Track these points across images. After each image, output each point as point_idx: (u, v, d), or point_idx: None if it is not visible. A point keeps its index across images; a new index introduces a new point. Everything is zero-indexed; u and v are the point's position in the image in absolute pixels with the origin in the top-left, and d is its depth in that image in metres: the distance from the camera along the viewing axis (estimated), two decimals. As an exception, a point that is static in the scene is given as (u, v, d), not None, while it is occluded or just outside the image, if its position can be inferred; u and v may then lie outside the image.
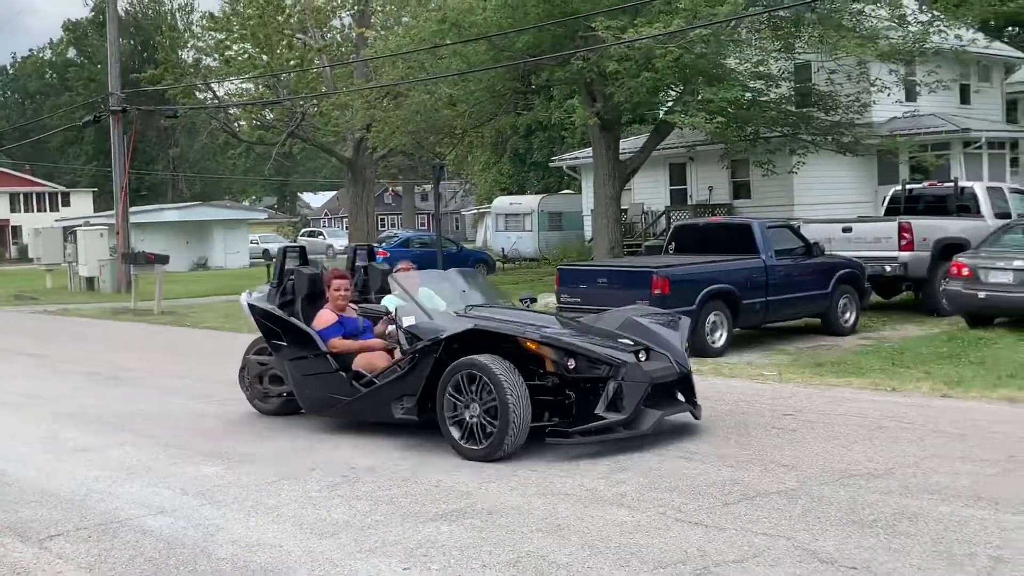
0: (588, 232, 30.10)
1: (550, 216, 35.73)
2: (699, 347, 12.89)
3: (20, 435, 9.07)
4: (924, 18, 22.52)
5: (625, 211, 31.75)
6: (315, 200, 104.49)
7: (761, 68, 22.75)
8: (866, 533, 5.26)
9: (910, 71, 26.08)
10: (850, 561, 4.83)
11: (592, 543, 5.28)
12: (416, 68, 24.65)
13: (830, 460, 6.93)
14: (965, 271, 14.28)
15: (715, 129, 22.29)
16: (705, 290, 13.10)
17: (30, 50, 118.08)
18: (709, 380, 10.76)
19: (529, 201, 36.81)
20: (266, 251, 55.86)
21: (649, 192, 31.59)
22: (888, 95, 24.50)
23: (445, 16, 22.06)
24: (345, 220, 61.16)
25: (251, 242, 53.65)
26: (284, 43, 34.08)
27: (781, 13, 22.05)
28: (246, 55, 34.28)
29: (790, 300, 14.26)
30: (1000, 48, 32.88)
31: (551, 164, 36.19)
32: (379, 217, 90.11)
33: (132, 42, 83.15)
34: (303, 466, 7.37)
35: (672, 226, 17.79)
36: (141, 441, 8.56)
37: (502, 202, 38.24)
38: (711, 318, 13.24)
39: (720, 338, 13.32)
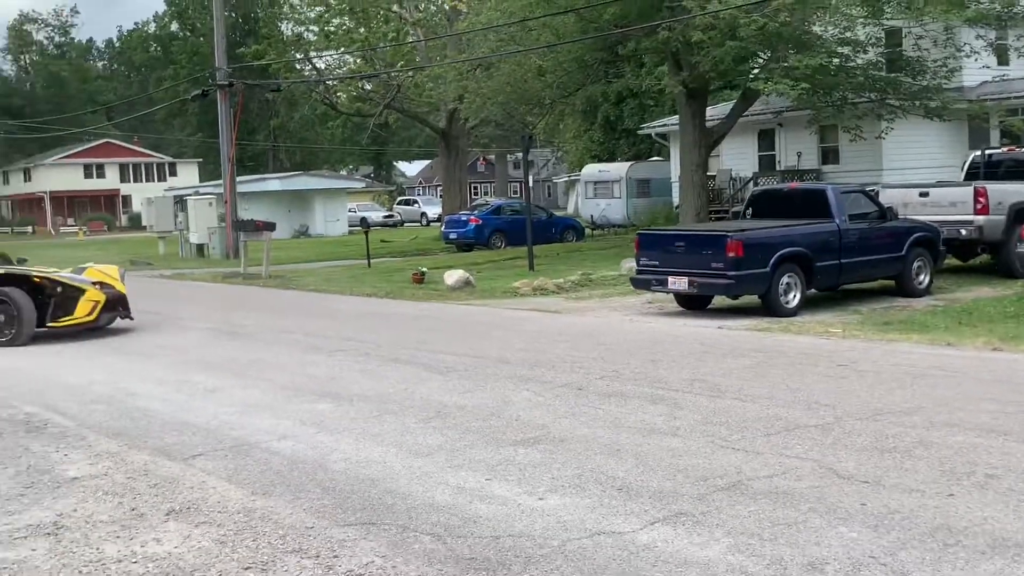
0: (676, 199, 30.68)
1: (638, 183, 36.31)
2: (772, 307, 13.62)
3: (157, 379, 10.33)
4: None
5: (713, 177, 32.20)
6: (410, 169, 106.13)
7: (848, 34, 23.04)
8: (884, 457, 6.07)
9: (1001, 35, 25.98)
10: (864, 477, 5.67)
11: (645, 462, 6.21)
12: (506, 40, 25.50)
13: (869, 401, 7.71)
14: (1038, 234, 14.66)
15: (800, 95, 22.73)
16: (778, 253, 13.74)
17: (135, 23, 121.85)
18: (776, 336, 11.52)
19: (618, 168, 37.44)
20: (363, 219, 57.56)
21: (737, 158, 31.98)
22: (976, 60, 24.53)
23: (534, -10, 22.86)
24: (439, 188, 62.43)
25: (349, 210, 55.24)
26: (380, 16, 35.17)
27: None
28: (344, 29, 35.49)
29: (863, 263, 14.81)
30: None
31: (640, 131, 36.71)
32: (472, 185, 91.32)
33: (232, 14, 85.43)
34: (402, 404, 8.41)
35: (750, 193, 18.39)
36: (261, 384, 9.73)
37: (591, 170, 38.95)
38: (784, 280, 13.87)
39: (793, 299, 13.94)
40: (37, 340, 13.78)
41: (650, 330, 12.74)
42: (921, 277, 15.47)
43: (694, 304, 14.75)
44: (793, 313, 13.75)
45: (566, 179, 67.62)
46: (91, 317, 13.70)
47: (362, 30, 35.20)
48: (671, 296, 14.92)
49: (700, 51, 22.22)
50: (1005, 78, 26.98)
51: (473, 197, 79.64)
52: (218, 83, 32.09)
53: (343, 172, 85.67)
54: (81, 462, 6.98)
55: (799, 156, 30.07)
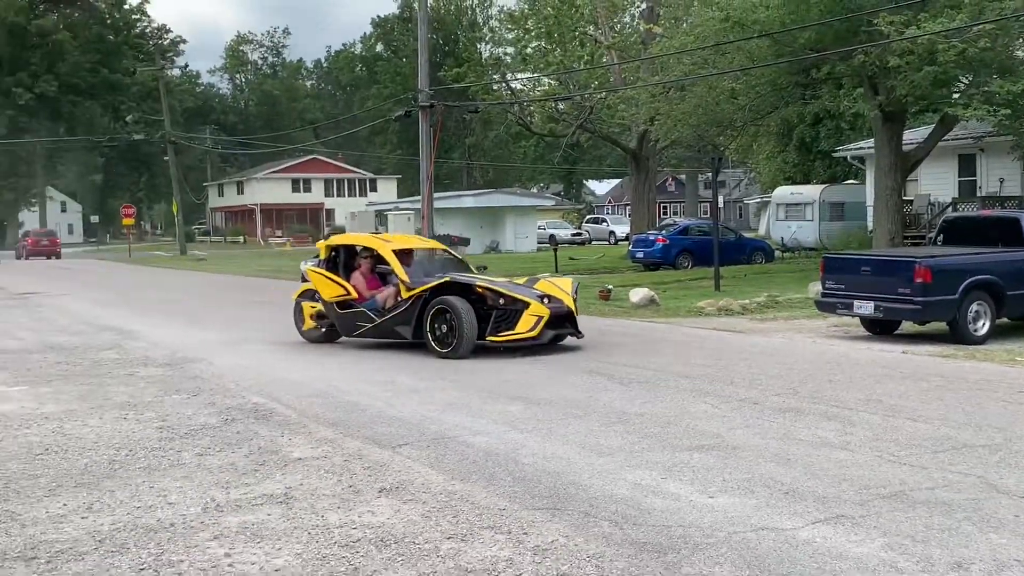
0: (871, 223, 30.19)
1: (832, 206, 35.86)
2: (960, 334, 13.56)
3: (366, 379, 11.34)
4: None
5: (910, 202, 31.53)
6: (600, 187, 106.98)
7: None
8: (1049, 478, 6.29)
9: None
10: (1023, 493, 5.93)
11: (813, 471, 6.63)
12: (699, 64, 25.87)
13: (1045, 428, 7.85)
14: None
15: (1000, 121, 22.20)
16: (968, 280, 13.66)
17: (343, 44, 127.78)
18: (959, 362, 11.56)
19: (810, 191, 37.07)
20: (552, 236, 58.68)
21: (936, 183, 31.21)
22: None
23: (728, 15, 23.17)
24: (628, 207, 62.97)
25: (538, 227, 56.46)
26: (576, 40, 36.09)
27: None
28: (540, 51, 36.60)
29: (1058, 291, 14.51)
30: None
31: (835, 154, 36.25)
32: (661, 204, 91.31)
33: (433, 36, 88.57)
34: (586, 409, 9.05)
35: (942, 219, 18.16)
36: (458, 386, 10.58)
37: (783, 192, 38.69)
38: (973, 307, 13.77)
39: (982, 327, 13.81)
40: (249, 340, 15.16)
41: (832, 352, 12.94)
42: (1122, 309, 15.01)
43: (881, 328, 14.80)
44: (981, 341, 13.64)
45: (758, 200, 66.88)
46: (532, 332, 12.82)
47: (557, 52, 36.13)
48: (857, 320, 15.02)
49: (897, 75, 22.02)
50: None
51: (662, 217, 79.84)
52: (420, 104, 33.65)
53: (534, 190, 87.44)
54: (303, 446, 7.93)
55: (1001, 182, 29.14)
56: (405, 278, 13.62)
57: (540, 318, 12.88)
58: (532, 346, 12.94)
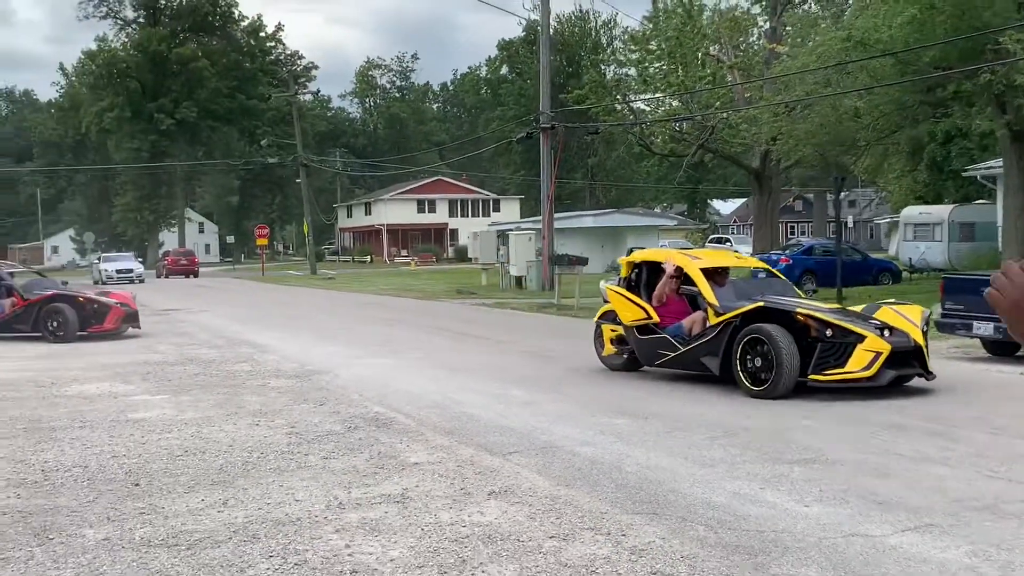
0: (1001, 243, 29.42)
1: (961, 226, 35.00)
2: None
3: (480, 391, 11.80)
4: None
5: (1043, 223, 30.58)
6: (725, 207, 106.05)
7: None
8: None
9: None
10: (1122, 511, 5.98)
11: (909, 484, 6.78)
12: (822, 84, 25.76)
13: None
14: None
15: None
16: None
17: (468, 67, 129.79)
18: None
19: (939, 211, 36.24)
20: (675, 256, 58.47)
21: (1071, 203, 30.19)
22: None
23: (851, 35, 23.07)
24: (752, 227, 62.39)
25: (660, 246, 56.45)
26: (698, 61, 36.20)
27: None
28: (662, 73, 36.83)
29: None
30: None
31: (964, 173, 35.41)
32: (788, 224, 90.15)
33: (557, 58, 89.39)
34: (691, 423, 9.31)
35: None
36: (568, 400, 10.95)
37: (911, 211, 37.92)
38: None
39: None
40: (373, 355, 15.81)
41: (948, 372, 12.83)
42: None
43: (1001, 350, 14.58)
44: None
45: (888, 220, 65.42)
46: (867, 372, 10.56)
47: (679, 73, 36.29)
48: (979, 341, 14.84)
49: (1024, 94, 21.60)
50: None
51: (789, 236, 78.79)
52: (542, 126, 34.28)
53: (657, 209, 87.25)
54: (420, 452, 8.41)
55: None
56: (714, 301, 11.81)
57: (878, 354, 10.57)
58: (868, 387, 10.72)
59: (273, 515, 6.53)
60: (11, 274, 21.10)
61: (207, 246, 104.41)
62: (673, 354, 12.10)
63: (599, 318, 13.94)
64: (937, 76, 23.30)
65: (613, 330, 13.40)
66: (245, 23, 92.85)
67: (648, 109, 41.85)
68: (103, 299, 20.01)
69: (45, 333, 18.77)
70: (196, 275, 60.95)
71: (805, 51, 26.33)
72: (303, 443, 8.84)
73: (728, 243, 67.10)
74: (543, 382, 12.48)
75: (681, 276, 12.69)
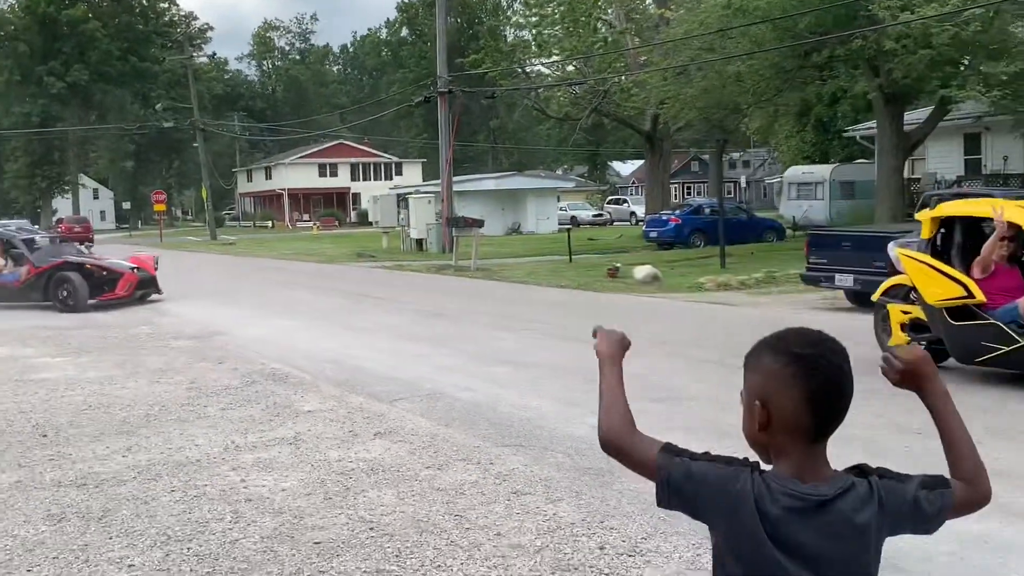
0: (878, 201, 30.97)
1: (842, 185, 36.62)
2: None
3: (375, 347, 12.46)
4: None
5: (917, 180, 32.33)
6: (624, 168, 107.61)
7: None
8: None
9: None
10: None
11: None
12: (706, 48, 26.71)
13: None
14: None
15: (997, 101, 22.94)
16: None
17: (368, 29, 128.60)
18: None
19: (821, 170, 37.84)
20: (573, 218, 59.61)
21: (943, 162, 31.95)
22: None
23: (730, 2, 24.02)
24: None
25: (559, 209, 57.40)
26: (590, 25, 36.98)
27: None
28: (556, 38, 37.56)
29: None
30: None
31: (845, 134, 37.01)
32: (685, 185, 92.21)
33: (459, 20, 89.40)
34: (567, 370, 10.12)
35: (921, 198, 19.06)
36: (456, 353, 11.68)
37: (794, 171, 39.49)
38: (948, 279, 14.71)
39: (956, 298, 14.73)
40: (274, 315, 16.31)
41: (810, 320, 13.89)
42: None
43: (862, 301, 15.73)
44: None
45: (779, 180, 67.48)
46: None
47: (573, 38, 37.03)
48: (843, 293, 15.97)
49: (893, 59, 22.80)
50: None
51: (686, 196, 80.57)
52: (439, 91, 34.73)
53: (559, 172, 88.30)
54: (313, 401, 9.05)
55: (1005, 160, 29.83)
56: None
57: None
58: None
59: (174, 458, 7.13)
60: (29, 240, 20.11)
61: (102, 212, 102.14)
62: (1007, 348, 8.66)
63: (882, 294, 10.58)
64: (813, 41, 24.41)
65: (906, 312, 9.91)
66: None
67: (548, 73, 42.60)
68: (113, 265, 19.33)
69: (55, 302, 18.18)
70: (91, 242, 59.93)
71: (688, 18, 27.24)
72: (202, 397, 9.39)
73: (626, 204, 68.58)
74: (435, 339, 13.17)
75: (1017, 238, 9.12)
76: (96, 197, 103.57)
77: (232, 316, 16.61)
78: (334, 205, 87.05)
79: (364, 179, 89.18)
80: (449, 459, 6.86)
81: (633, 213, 63.38)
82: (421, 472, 6.56)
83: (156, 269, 19.92)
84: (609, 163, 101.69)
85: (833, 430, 1.90)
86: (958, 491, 1.94)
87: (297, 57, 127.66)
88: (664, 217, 34.69)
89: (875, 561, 1.89)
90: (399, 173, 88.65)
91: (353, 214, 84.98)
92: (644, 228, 36.17)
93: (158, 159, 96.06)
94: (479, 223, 27.64)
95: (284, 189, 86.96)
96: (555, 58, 38.05)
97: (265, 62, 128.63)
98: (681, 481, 1.91)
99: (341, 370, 10.76)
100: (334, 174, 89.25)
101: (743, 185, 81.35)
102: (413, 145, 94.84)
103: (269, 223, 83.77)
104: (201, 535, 5.43)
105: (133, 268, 19.32)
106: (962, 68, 24.45)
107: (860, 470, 1.92)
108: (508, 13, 77.22)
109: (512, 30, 50.76)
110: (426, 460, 6.86)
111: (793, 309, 15.58)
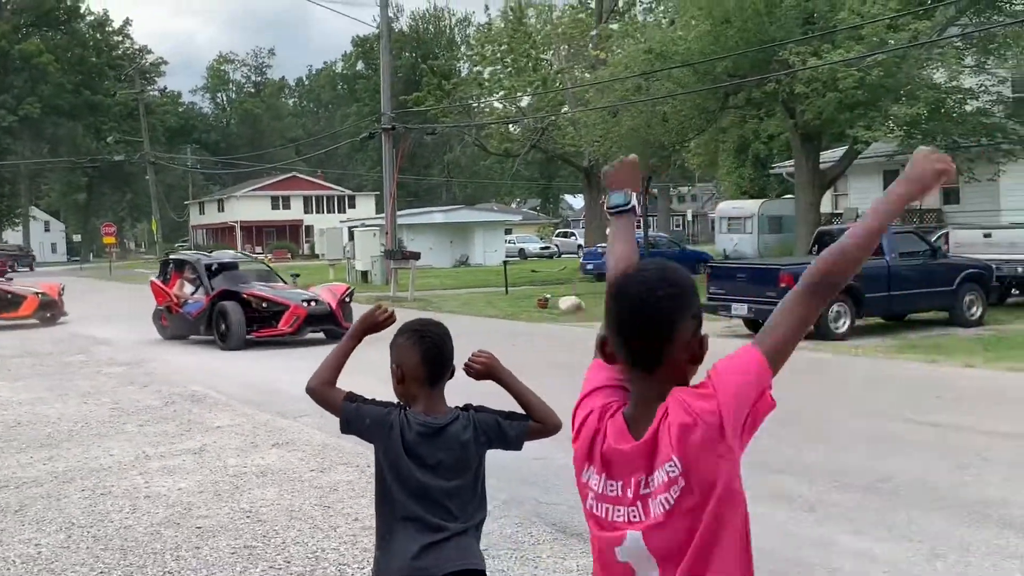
0: (801, 235, 32.36)
1: (770, 219, 38.07)
2: (823, 331, 15.62)
3: (295, 370, 13.33)
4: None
5: (840, 215, 33.80)
6: (576, 202, 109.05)
7: (954, 83, 24.51)
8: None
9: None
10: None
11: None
12: (632, 91, 28.01)
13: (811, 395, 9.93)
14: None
15: (901, 141, 24.38)
16: (827, 285, 15.75)
17: (324, 63, 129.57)
18: (809, 354, 13.64)
19: (750, 205, 39.32)
20: (521, 250, 60.82)
21: (862, 197, 33.38)
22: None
23: (651, 48, 25.35)
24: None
25: (508, 242, 58.55)
26: (529, 65, 38.30)
27: (972, 32, 23.90)
28: (497, 78, 38.85)
29: (912, 295, 16.67)
30: None
31: (771, 171, 38.52)
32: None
33: (414, 55, 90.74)
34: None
35: (816, 232, 20.33)
36: (367, 376, 12.57)
37: (726, 206, 40.99)
38: (835, 308, 15.81)
39: (843, 325, 15.90)
40: (204, 345, 17.15)
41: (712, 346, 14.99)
42: (974, 309, 17.13)
43: (758, 328, 16.87)
44: (843, 337, 15.68)
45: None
46: None
47: (510, 79, 38.29)
48: (741, 321, 17.11)
49: (804, 101, 24.18)
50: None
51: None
52: (383, 127, 35.79)
53: (513, 205, 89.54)
54: (224, 418, 9.96)
55: (920, 196, 31.28)
56: None
57: None
58: None
59: (89, 465, 8.02)
60: None
61: (53, 245, 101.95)
62: None
63: None
64: (731, 84, 25.76)
65: None
66: (91, 17, 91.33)
67: (495, 109, 43.85)
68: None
69: None
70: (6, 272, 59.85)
71: (614, 61, 28.53)
72: (123, 415, 10.27)
73: (573, 236, 69.88)
74: (356, 365, 14.04)
75: None
76: (47, 230, 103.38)
77: (166, 344, 17.43)
78: (287, 237, 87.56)
79: (317, 211, 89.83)
80: (333, 463, 7.81)
81: (580, 246, 64.63)
82: (306, 474, 7.51)
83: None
84: (562, 196, 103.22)
85: (443, 378, 2.92)
86: (533, 425, 2.96)
87: (252, 90, 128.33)
88: (599, 250, 35.87)
89: (477, 465, 2.88)
90: (352, 206, 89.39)
91: (306, 246, 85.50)
92: (581, 260, 37.34)
93: (110, 192, 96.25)
94: (415, 255, 28.64)
95: (237, 221, 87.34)
96: (496, 96, 39.28)
97: (220, 95, 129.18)
98: (354, 417, 2.91)
99: (257, 392, 11.67)
100: (287, 207, 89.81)
101: (689, 219, 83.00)
102: (367, 178, 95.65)
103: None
104: (101, 523, 6.34)
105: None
106: (870, 110, 25.91)
107: (465, 408, 2.93)
108: (462, 49, 78.84)
109: (467, 65, 52.11)
110: (312, 465, 7.80)
111: (695, 336, 16.66)
